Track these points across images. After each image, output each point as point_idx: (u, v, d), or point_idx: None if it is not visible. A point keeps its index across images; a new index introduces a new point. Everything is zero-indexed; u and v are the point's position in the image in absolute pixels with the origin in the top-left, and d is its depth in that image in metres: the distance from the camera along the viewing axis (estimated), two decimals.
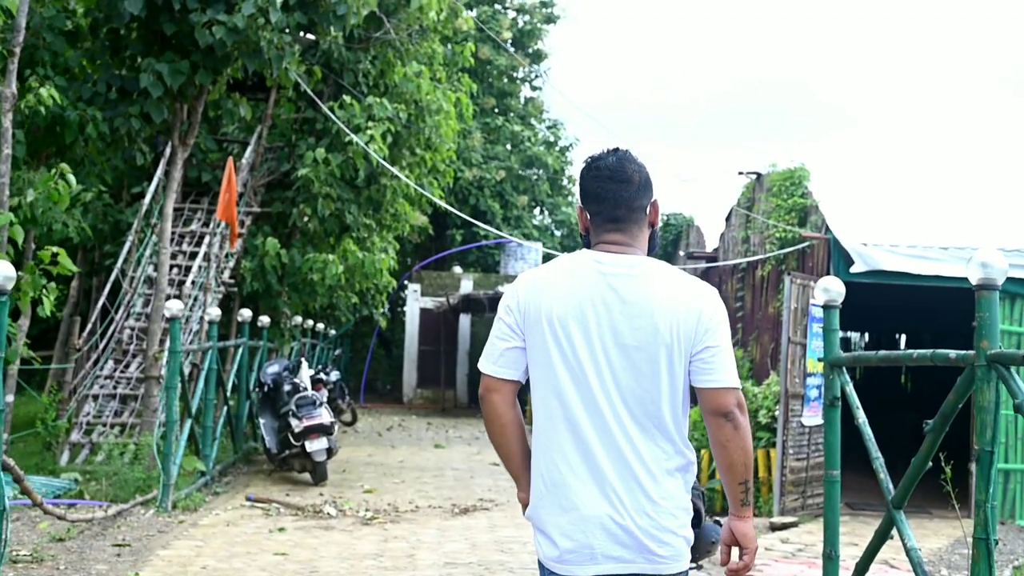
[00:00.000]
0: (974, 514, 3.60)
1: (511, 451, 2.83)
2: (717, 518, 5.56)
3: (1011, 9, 67.31)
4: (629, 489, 2.65)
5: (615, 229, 2.77)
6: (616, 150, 2.82)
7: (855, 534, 8.65)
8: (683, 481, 2.73)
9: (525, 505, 2.84)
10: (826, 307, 5.23)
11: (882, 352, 4.73)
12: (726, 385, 2.70)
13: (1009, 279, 3.67)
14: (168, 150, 12.28)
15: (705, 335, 2.68)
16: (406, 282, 25.35)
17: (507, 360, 2.76)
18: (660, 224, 2.91)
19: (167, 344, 9.60)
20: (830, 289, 5.19)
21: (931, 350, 4.01)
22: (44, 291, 8.62)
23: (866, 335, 26.65)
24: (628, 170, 2.78)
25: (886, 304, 14.17)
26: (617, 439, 2.66)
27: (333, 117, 13.19)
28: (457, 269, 26.42)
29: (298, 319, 15.18)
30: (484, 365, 2.80)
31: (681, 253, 18.86)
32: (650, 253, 2.82)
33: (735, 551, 2.81)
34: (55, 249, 8.64)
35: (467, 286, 24.54)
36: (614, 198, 2.76)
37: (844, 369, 5.07)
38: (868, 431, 4.66)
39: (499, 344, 2.77)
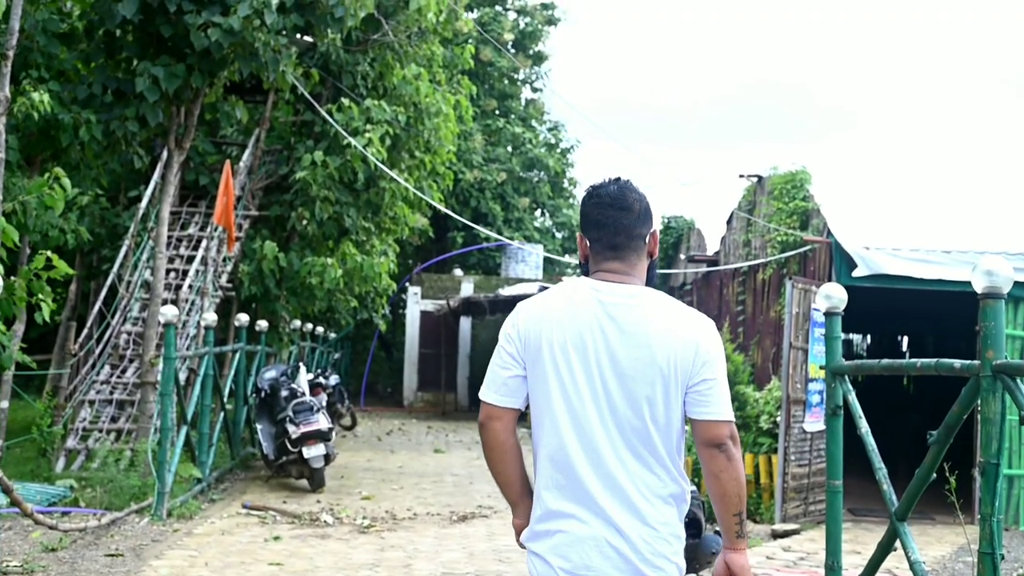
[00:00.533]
0: (980, 528, 3.52)
1: (510, 478, 2.84)
2: (718, 528, 5.48)
3: (1012, 11, 67.25)
4: (625, 513, 2.65)
5: (614, 257, 2.77)
6: (618, 179, 2.83)
7: (858, 541, 8.55)
8: (677, 510, 2.73)
9: (519, 532, 2.84)
10: (828, 313, 5.15)
11: (885, 361, 4.65)
12: (721, 418, 2.70)
13: (1013, 283, 3.59)
14: (165, 153, 12.20)
15: (702, 368, 2.68)
16: (407, 284, 25.27)
17: (509, 389, 2.77)
18: (658, 255, 2.91)
19: (163, 349, 9.51)
20: (832, 296, 5.12)
21: (935, 360, 3.93)
22: (41, 296, 8.54)
23: (868, 337, 26.60)
24: (629, 198, 2.78)
25: (888, 307, 14.07)
26: (613, 466, 2.66)
27: (331, 120, 13.10)
28: (458, 272, 26.34)
29: (296, 323, 15.09)
30: (485, 394, 2.80)
31: (682, 256, 18.74)
32: (648, 284, 2.82)
33: None
34: (48, 253, 8.56)
35: (468, 289, 24.45)
36: (614, 225, 2.76)
37: (846, 377, 4.99)
38: (871, 441, 4.58)
39: (501, 373, 2.78)
